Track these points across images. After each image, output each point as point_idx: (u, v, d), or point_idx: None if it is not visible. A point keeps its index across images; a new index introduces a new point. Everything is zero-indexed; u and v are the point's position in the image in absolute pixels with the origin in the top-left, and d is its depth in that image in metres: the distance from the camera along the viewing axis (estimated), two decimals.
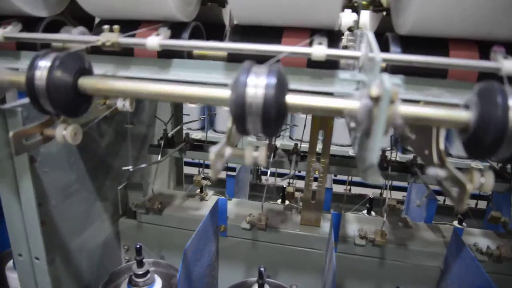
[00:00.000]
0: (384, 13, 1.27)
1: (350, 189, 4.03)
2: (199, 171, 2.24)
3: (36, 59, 0.79)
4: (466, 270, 1.27)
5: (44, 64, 0.78)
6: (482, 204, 2.62)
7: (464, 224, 1.99)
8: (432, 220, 1.74)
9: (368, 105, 0.65)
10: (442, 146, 0.77)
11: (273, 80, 0.68)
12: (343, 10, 1.12)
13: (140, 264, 1.35)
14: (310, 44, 1.04)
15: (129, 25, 1.11)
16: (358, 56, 0.90)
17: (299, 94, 0.72)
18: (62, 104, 0.80)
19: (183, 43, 1.03)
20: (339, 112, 0.70)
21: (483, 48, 0.97)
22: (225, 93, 0.73)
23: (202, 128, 4.46)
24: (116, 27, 1.01)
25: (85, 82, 0.81)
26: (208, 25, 1.25)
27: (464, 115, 0.68)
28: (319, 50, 0.90)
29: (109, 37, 0.97)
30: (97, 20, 1.22)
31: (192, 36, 1.13)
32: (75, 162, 1.30)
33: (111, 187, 1.57)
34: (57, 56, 0.79)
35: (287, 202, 1.95)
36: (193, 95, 0.76)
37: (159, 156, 1.55)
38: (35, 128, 0.88)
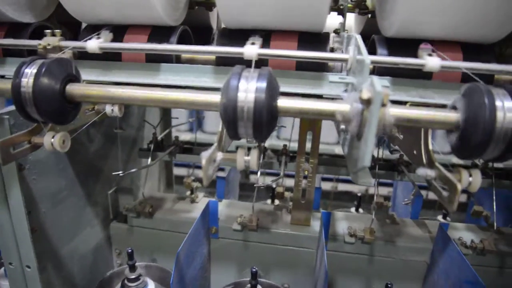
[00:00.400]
0: (369, 15, 1.30)
1: (336, 187, 4.09)
2: (188, 172, 2.24)
3: (22, 66, 0.78)
4: (452, 264, 1.30)
5: (30, 71, 0.77)
6: (463, 197, 2.69)
7: (448, 218, 2.04)
8: (418, 216, 1.78)
9: (359, 107, 0.67)
10: (430, 146, 0.80)
11: (264, 84, 0.69)
12: (329, 13, 1.13)
13: (133, 268, 1.34)
14: (299, 46, 1.06)
15: (117, 30, 1.10)
16: (347, 59, 0.91)
17: (290, 98, 0.73)
18: (50, 112, 0.79)
19: (130, 46, 1.02)
20: (331, 115, 0.71)
21: (466, 48, 1.00)
22: (215, 98, 0.74)
23: (190, 130, 4.43)
24: (58, 31, 1.00)
25: (72, 89, 0.80)
26: (196, 28, 1.25)
27: (453, 116, 0.69)
28: (309, 53, 0.91)
29: (50, 41, 0.96)
30: (84, 25, 1.21)
31: (180, 40, 1.13)
32: (64, 168, 1.28)
33: (101, 191, 1.55)
34: (43, 63, 0.78)
35: (276, 201, 1.97)
36: (182, 100, 0.76)
37: (149, 160, 1.54)
38: (22, 136, 0.87)
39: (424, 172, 0.77)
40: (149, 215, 1.58)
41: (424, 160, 0.82)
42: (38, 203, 1.15)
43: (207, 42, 1.64)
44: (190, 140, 4.65)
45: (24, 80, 0.76)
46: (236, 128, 0.70)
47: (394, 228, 1.61)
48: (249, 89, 0.68)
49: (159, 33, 1.12)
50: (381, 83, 0.63)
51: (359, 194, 2.17)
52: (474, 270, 1.14)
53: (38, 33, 1.12)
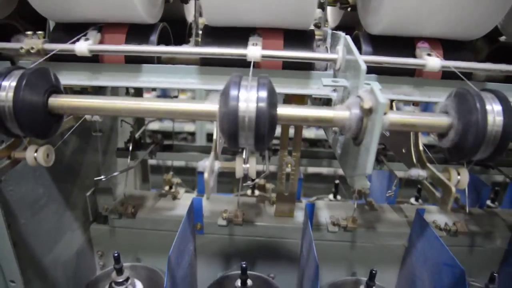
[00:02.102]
0: (349, 9, 1.30)
1: (306, 169, 4.14)
2: (163, 168, 2.19)
3: None
4: (430, 248, 1.38)
5: (8, 83, 0.72)
6: None
7: (420, 200, 2.15)
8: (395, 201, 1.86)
9: (358, 114, 0.68)
10: (421, 147, 0.82)
11: (265, 94, 0.67)
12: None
13: (120, 272, 1.32)
14: (285, 45, 1.04)
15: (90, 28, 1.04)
16: (336, 59, 0.92)
17: (289, 106, 0.72)
18: (32, 126, 0.74)
19: (123, 48, 0.97)
20: (329, 122, 0.71)
21: (446, 45, 1.03)
22: (212, 107, 0.72)
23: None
24: (40, 33, 0.94)
25: (56, 101, 0.75)
26: (170, 22, 1.20)
27: (445, 121, 0.72)
28: (300, 54, 0.90)
29: (33, 43, 0.91)
30: (52, 24, 1.13)
31: (159, 37, 1.08)
32: (41, 175, 1.22)
33: (79, 194, 1.50)
34: (22, 74, 0.72)
35: (256, 192, 1.99)
36: (176, 111, 0.74)
37: (129, 159, 1.49)
38: (2, 152, 0.81)
39: (416, 172, 0.80)
40: (132, 215, 1.54)
41: (414, 160, 0.85)
42: (17, 215, 1.09)
43: (183, 36, 1.59)
44: (159, 129, 4.56)
45: (2, 94, 0.71)
46: (237, 138, 0.69)
47: (373, 215, 1.67)
48: (250, 98, 0.67)
49: (137, 31, 1.06)
50: (380, 91, 0.64)
51: (336, 182, 2.22)
52: (451, 253, 1.21)
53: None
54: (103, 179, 1.28)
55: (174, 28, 1.23)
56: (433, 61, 0.87)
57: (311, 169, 4.06)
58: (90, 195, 1.55)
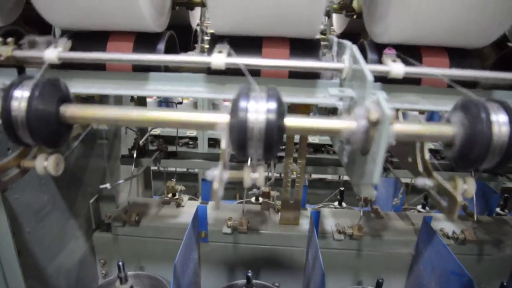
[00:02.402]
0: (355, 16, 1.31)
1: (311, 175, 4.13)
2: (164, 174, 2.18)
3: (11, 88, 0.73)
4: (437, 256, 1.37)
5: (21, 93, 0.72)
6: None
7: (427, 208, 2.14)
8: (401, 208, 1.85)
9: (365, 125, 0.68)
10: (427, 156, 0.82)
11: (274, 105, 0.68)
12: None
13: (123, 280, 1.32)
14: (291, 54, 1.05)
15: (98, 36, 1.05)
16: (342, 68, 0.92)
17: (296, 116, 0.72)
18: (44, 135, 0.75)
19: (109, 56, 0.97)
20: (337, 133, 0.71)
21: (452, 53, 1.03)
22: (222, 118, 0.72)
23: None
24: (10, 40, 0.95)
25: (68, 110, 0.76)
26: (175, 27, 1.21)
27: (451, 131, 0.72)
28: (306, 64, 0.91)
29: (3, 51, 0.91)
30: (58, 30, 1.14)
31: (166, 45, 1.09)
32: (46, 182, 1.23)
33: (82, 202, 1.50)
34: (35, 84, 0.73)
35: (261, 199, 1.98)
36: (187, 121, 0.74)
37: (133, 167, 1.50)
38: (12, 162, 0.81)
39: (422, 182, 0.80)
40: (136, 223, 1.54)
41: (421, 169, 0.84)
42: (22, 223, 1.09)
43: (188, 42, 1.60)
44: (162, 134, 4.58)
45: (15, 104, 0.71)
46: (246, 149, 0.69)
47: (379, 222, 1.66)
48: (259, 109, 0.67)
49: (145, 39, 1.07)
50: (386, 101, 0.65)
51: (342, 189, 2.21)
52: (460, 262, 1.20)
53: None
54: (108, 187, 1.29)
55: (180, 34, 1.24)
56: (396, 68, 0.87)
57: (316, 175, 4.05)
58: (93, 202, 1.55)
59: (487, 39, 0.96)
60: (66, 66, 1.01)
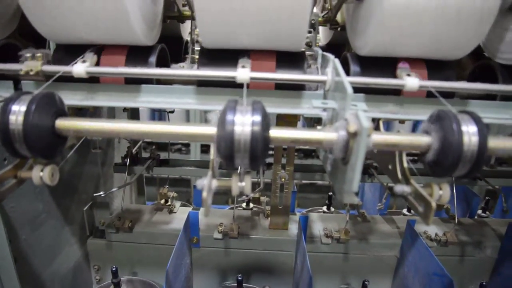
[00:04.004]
0: (339, 28, 1.37)
1: (301, 180, 4.19)
2: (157, 179, 2.21)
3: (9, 103, 0.76)
4: (421, 258, 1.43)
5: (18, 108, 0.76)
6: None
7: (412, 211, 2.19)
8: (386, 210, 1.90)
9: (344, 136, 0.73)
10: (405, 164, 0.87)
11: (259, 118, 0.72)
12: None
13: (117, 285, 1.35)
14: (277, 66, 1.10)
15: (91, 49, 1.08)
16: (325, 80, 0.97)
17: (281, 128, 0.77)
18: (40, 148, 0.78)
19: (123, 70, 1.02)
20: (319, 144, 0.76)
21: (430, 65, 1.09)
22: (210, 130, 0.77)
23: None
24: (39, 55, 0.98)
25: (63, 124, 0.79)
26: (166, 39, 1.24)
27: (426, 140, 0.77)
28: (292, 76, 0.96)
29: (32, 66, 0.95)
30: (52, 42, 1.17)
31: (157, 58, 1.13)
32: (41, 191, 1.25)
33: (77, 209, 1.53)
34: (32, 99, 0.77)
35: (251, 205, 2.02)
36: (179, 133, 0.78)
37: (126, 174, 1.53)
38: (8, 172, 0.85)
39: (401, 188, 0.85)
40: (129, 229, 1.57)
41: (399, 176, 0.89)
42: (18, 231, 1.12)
43: (179, 53, 1.65)
44: (153, 140, 4.60)
45: (12, 118, 0.75)
46: (233, 159, 0.73)
47: (365, 226, 1.72)
48: (245, 122, 0.71)
49: (137, 53, 1.11)
50: (364, 114, 0.70)
51: (330, 193, 2.26)
52: (441, 263, 1.25)
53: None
54: (102, 195, 1.32)
55: (171, 45, 1.28)
56: (412, 82, 0.93)
57: (305, 180, 4.10)
58: (88, 209, 1.58)
59: (463, 51, 1.01)
60: (60, 79, 1.05)
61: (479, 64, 1.21)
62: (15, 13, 1.16)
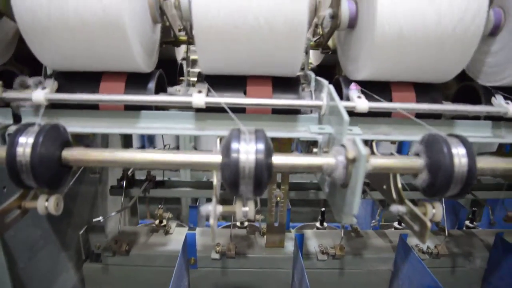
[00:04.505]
0: (330, 52, 1.42)
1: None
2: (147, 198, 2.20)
3: (16, 135, 0.78)
4: (414, 271, 1.47)
5: (25, 140, 0.77)
6: None
7: (403, 224, 2.25)
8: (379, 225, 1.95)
9: (343, 162, 0.76)
10: (399, 185, 0.91)
11: (262, 146, 0.75)
12: None
13: None
14: (273, 91, 1.14)
15: (91, 76, 1.11)
16: (321, 105, 1.01)
17: (282, 155, 0.80)
18: (46, 179, 0.79)
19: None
20: (318, 169, 0.80)
21: (418, 88, 1.14)
22: (215, 158, 0.79)
23: (142, 146, 4.38)
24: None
25: (69, 154, 0.81)
26: (162, 62, 1.27)
27: (419, 163, 0.82)
28: (289, 102, 1.00)
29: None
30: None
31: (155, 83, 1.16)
32: (39, 217, 1.25)
33: (72, 234, 1.52)
34: (39, 131, 0.78)
35: (245, 223, 2.04)
36: (184, 162, 0.80)
37: (122, 197, 1.54)
38: (13, 203, 0.85)
39: (396, 208, 0.89)
40: (126, 253, 1.57)
41: (394, 196, 0.94)
42: (17, 259, 1.11)
43: (174, 74, 1.68)
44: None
45: (19, 149, 0.76)
46: (238, 186, 0.76)
47: (359, 241, 1.75)
48: (249, 150, 0.74)
49: (135, 79, 1.14)
50: (360, 140, 0.74)
51: (323, 209, 2.30)
52: (434, 277, 1.29)
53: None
54: (101, 221, 1.32)
55: (165, 68, 1.31)
56: (361, 103, 0.99)
57: (299, 197, 4.13)
58: (83, 234, 1.57)
59: (448, 76, 1.08)
60: (59, 105, 1.06)
61: (463, 86, 1.27)
62: (13, 39, 1.17)
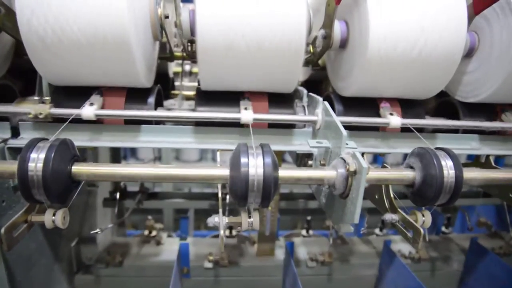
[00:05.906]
0: (319, 68, 1.50)
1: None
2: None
3: (28, 150, 0.79)
4: (398, 275, 1.55)
5: (37, 155, 0.79)
6: None
7: (384, 230, 2.35)
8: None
9: (344, 174, 0.82)
10: (392, 195, 0.99)
11: (269, 160, 0.81)
12: None
13: None
14: (270, 106, 1.19)
15: (90, 91, 1.12)
16: (316, 120, 1.08)
17: (286, 168, 0.86)
18: (57, 194, 0.81)
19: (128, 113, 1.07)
20: (320, 181, 0.85)
21: (403, 103, 1.23)
22: (223, 172, 0.84)
23: (124, 157, 4.35)
24: (47, 98, 1.03)
25: (79, 170, 0.83)
26: (156, 76, 1.30)
27: (411, 175, 0.89)
28: (287, 117, 1.06)
29: (41, 109, 1.00)
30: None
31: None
32: (35, 230, 1.25)
33: (65, 246, 1.51)
34: (50, 146, 0.80)
35: (234, 232, 2.07)
36: (193, 176, 0.84)
37: (116, 209, 1.54)
38: (20, 217, 0.86)
39: (389, 217, 0.96)
40: (119, 264, 1.57)
41: (387, 205, 1.01)
42: (14, 273, 1.10)
43: (166, 87, 1.71)
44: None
45: (31, 165, 0.78)
46: (247, 198, 0.80)
47: (345, 248, 1.82)
48: (258, 164, 0.79)
49: (135, 94, 1.16)
50: (359, 154, 0.80)
51: (308, 218, 2.36)
52: (419, 280, 1.37)
53: None
54: (99, 232, 1.33)
55: (159, 82, 1.33)
56: (395, 120, 1.06)
57: (289, 207, 4.19)
58: (75, 246, 1.56)
59: (432, 92, 1.17)
60: (64, 120, 1.08)
61: (442, 101, 1.37)
62: (8, 54, 1.17)
